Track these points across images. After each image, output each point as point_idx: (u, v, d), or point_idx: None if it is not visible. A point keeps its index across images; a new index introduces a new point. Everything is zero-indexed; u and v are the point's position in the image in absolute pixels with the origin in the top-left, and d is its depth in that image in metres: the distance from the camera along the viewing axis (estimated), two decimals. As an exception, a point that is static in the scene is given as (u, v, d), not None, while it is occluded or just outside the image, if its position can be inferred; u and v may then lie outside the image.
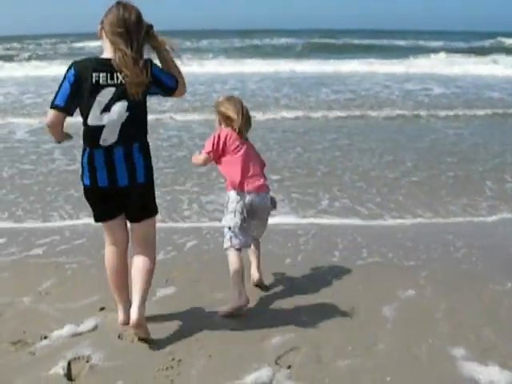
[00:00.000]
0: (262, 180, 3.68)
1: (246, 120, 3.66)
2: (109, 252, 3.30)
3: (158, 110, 11.75)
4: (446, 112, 12.62)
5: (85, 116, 2.95)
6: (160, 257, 4.56)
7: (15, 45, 41.66)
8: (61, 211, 5.87)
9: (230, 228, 3.62)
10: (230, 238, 3.63)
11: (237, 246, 3.63)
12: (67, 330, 3.32)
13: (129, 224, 3.29)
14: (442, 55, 29.27)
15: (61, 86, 2.93)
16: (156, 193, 3.29)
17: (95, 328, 3.38)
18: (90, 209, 3.23)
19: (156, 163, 3.53)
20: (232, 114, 3.62)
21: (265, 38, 45.19)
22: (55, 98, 2.92)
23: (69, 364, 2.98)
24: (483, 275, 4.32)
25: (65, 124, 3.03)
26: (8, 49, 37.51)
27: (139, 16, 2.96)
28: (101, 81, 2.89)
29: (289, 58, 27.33)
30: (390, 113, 12.59)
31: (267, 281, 4.08)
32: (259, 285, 3.97)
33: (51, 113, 2.94)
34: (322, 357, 3.09)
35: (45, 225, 5.47)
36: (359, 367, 3.00)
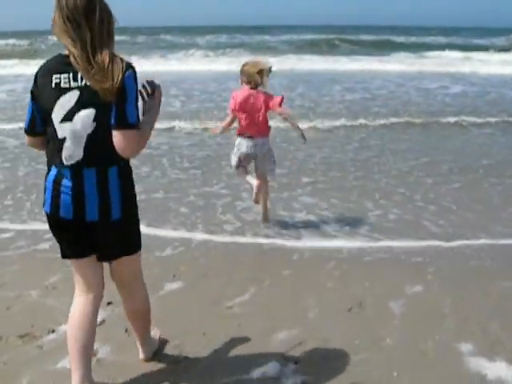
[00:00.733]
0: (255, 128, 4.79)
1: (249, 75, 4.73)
2: (76, 304, 2.63)
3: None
4: (474, 118, 11.10)
5: (44, 127, 2.39)
6: (167, 252, 4.60)
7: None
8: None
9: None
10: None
11: (236, 168, 5.00)
12: (75, 323, 3.32)
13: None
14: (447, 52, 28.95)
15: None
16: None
17: (102, 322, 3.38)
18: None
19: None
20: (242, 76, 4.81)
21: (266, 35, 45.00)
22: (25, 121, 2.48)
23: (76, 358, 2.99)
24: (490, 271, 4.30)
25: None
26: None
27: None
28: (62, 83, 2.29)
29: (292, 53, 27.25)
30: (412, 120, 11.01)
31: (270, 278, 4.08)
32: (266, 221, 5.19)
33: (25, 137, 2.54)
34: (329, 351, 3.10)
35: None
36: (366, 362, 3.00)
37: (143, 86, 2.46)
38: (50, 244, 4.75)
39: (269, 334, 3.26)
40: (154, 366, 2.94)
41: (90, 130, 2.28)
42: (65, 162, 2.33)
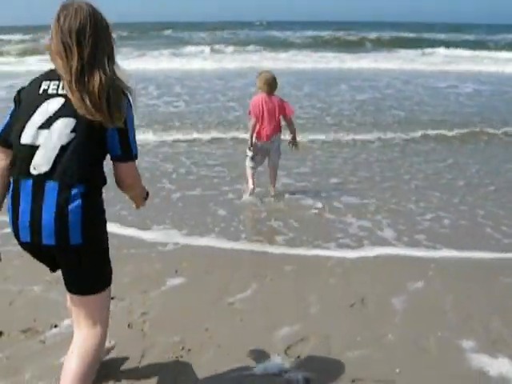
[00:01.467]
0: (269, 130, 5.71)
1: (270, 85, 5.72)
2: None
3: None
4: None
5: (19, 132, 2.15)
6: (169, 247, 4.60)
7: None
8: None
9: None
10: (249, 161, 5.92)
11: (251, 165, 5.89)
12: (77, 318, 3.33)
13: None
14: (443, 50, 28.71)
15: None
16: None
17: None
18: None
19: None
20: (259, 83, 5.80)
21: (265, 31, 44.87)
22: None
23: (79, 352, 2.99)
24: (492, 267, 4.30)
25: None
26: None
27: (86, 21, 2.13)
28: (50, 90, 2.17)
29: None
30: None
31: (272, 274, 4.08)
32: (272, 196, 5.98)
33: None
34: (331, 347, 3.10)
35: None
36: (368, 358, 3.00)
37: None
38: (52, 239, 4.76)
39: (271, 330, 3.27)
40: (156, 362, 2.94)
41: (64, 141, 2.10)
42: (32, 172, 2.11)
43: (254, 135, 5.71)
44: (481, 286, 3.93)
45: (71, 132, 2.11)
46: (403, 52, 27.55)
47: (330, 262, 4.32)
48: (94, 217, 2.20)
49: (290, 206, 5.74)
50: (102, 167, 2.22)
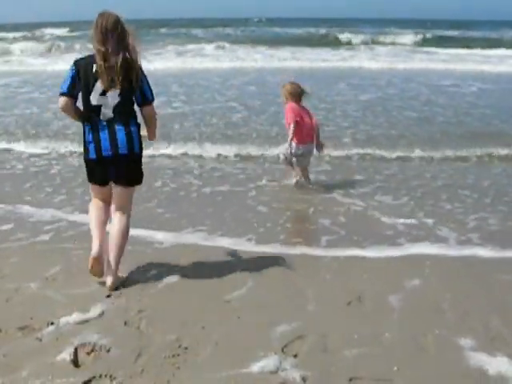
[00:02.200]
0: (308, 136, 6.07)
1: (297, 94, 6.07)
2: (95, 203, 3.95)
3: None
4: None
5: (87, 98, 3.58)
6: (166, 245, 4.59)
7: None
8: (69, 200, 5.89)
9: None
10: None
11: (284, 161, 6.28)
12: (74, 316, 3.33)
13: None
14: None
15: (65, 77, 3.63)
16: None
17: (102, 314, 3.39)
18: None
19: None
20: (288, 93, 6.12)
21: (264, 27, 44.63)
22: (61, 86, 3.63)
23: (75, 350, 2.99)
24: (490, 264, 4.29)
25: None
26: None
27: (116, 21, 3.55)
28: (94, 70, 3.55)
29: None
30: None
31: (269, 271, 4.08)
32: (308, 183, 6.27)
33: (61, 100, 3.64)
34: (329, 345, 3.09)
35: (51, 212, 5.48)
36: (366, 356, 2.99)
37: None
38: (49, 236, 4.76)
39: (268, 328, 3.25)
40: (153, 359, 2.93)
41: (116, 101, 3.58)
42: (102, 118, 3.59)
43: (295, 140, 5.95)
44: (479, 284, 3.92)
45: (118, 96, 3.57)
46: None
47: (327, 258, 4.32)
48: (140, 137, 3.73)
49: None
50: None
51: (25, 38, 34.24)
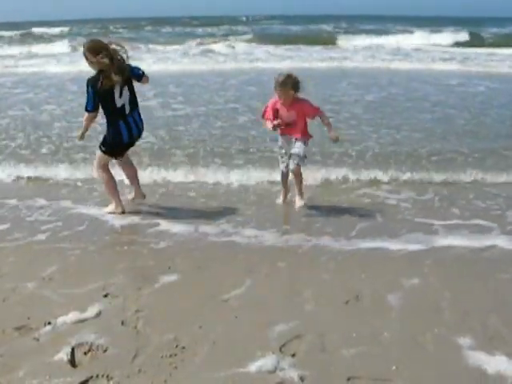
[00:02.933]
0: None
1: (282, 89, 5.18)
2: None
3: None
4: None
5: (113, 102, 4.80)
6: (162, 244, 4.58)
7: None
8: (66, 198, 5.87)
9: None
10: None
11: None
12: (71, 316, 3.33)
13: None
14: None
15: (87, 97, 4.83)
16: None
17: (99, 314, 3.38)
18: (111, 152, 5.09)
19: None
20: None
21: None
22: (87, 105, 4.86)
23: (72, 350, 2.99)
24: (489, 263, 4.29)
25: None
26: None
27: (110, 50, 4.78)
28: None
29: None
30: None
31: (267, 270, 4.07)
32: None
33: (86, 116, 4.94)
34: (327, 345, 3.08)
35: (48, 210, 5.46)
36: (364, 356, 2.99)
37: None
38: (46, 235, 4.74)
39: (265, 327, 3.25)
40: (150, 358, 2.92)
41: (128, 97, 4.93)
42: (127, 113, 4.92)
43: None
44: (478, 282, 3.92)
45: (128, 92, 4.91)
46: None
47: (324, 257, 4.31)
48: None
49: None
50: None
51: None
